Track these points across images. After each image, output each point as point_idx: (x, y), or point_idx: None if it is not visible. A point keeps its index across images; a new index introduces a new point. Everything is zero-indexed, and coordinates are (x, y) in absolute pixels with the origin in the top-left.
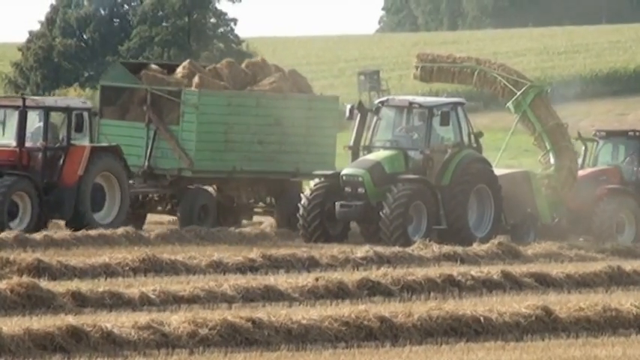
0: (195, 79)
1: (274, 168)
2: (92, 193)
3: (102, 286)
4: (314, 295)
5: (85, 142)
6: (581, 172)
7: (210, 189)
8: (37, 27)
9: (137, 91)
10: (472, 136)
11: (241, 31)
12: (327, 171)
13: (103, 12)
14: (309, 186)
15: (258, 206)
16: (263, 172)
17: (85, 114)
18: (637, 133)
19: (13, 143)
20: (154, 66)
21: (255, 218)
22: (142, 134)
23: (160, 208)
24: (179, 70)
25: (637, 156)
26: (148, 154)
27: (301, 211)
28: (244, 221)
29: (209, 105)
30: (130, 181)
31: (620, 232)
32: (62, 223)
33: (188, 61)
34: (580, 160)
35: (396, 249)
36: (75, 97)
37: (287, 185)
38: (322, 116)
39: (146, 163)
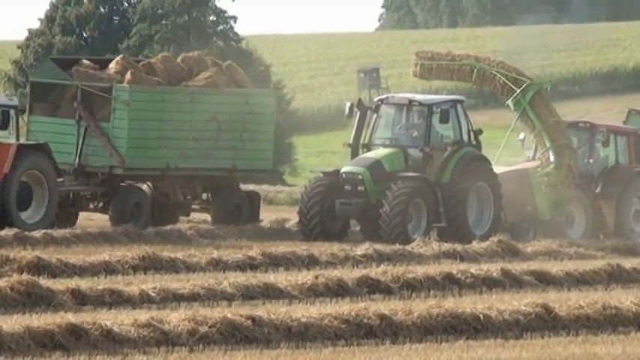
0: (128, 75)
1: (210, 164)
2: (18, 191)
3: (102, 283)
4: (314, 292)
5: (12, 140)
6: (532, 164)
7: (144, 186)
8: (36, 25)
9: (68, 88)
10: (472, 134)
11: (241, 28)
12: (327, 168)
13: (102, 10)
14: (308, 183)
15: (195, 203)
16: (198, 168)
17: (12, 111)
18: (588, 125)
19: None
20: (85, 61)
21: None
22: (73, 131)
23: (91, 206)
24: (112, 66)
25: (588, 148)
26: (79, 151)
27: (301, 209)
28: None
29: (141, 101)
30: (61, 179)
31: (571, 225)
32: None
33: (121, 56)
34: (532, 153)
35: (396, 247)
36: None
37: (223, 182)
38: (259, 111)
39: (77, 161)
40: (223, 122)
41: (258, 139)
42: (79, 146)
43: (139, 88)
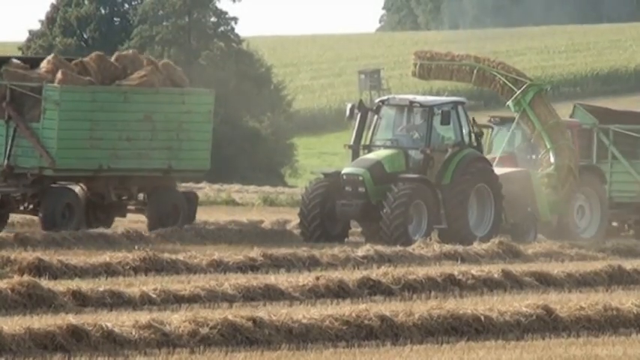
0: (58, 75)
1: (144, 165)
2: None
3: (102, 285)
4: (315, 294)
5: None
6: None
7: (77, 188)
8: (37, 26)
9: None
10: (472, 136)
11: (242, 30)
12: (328, 169)
13: (103, 11)
14: (308, 184)
15: (131, 204)
16: (132, 169)
17: None
18: None
19: None
20: (15, 61)
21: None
22: (2, 132)
23: (21, 208)
24: (43, 65)
25: (531, 143)
26: (8, 152)
27: (301, 210)
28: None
29: (72, 101)
30: None
31: None
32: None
33: (52, 55)
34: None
35: (397, 248)
36: None
37: (159, 182)
38: (196, 111)
39: (6, 162)
40: (158, 122)
41: (195, 138)
42: (8, 147)
43: (70, 87)
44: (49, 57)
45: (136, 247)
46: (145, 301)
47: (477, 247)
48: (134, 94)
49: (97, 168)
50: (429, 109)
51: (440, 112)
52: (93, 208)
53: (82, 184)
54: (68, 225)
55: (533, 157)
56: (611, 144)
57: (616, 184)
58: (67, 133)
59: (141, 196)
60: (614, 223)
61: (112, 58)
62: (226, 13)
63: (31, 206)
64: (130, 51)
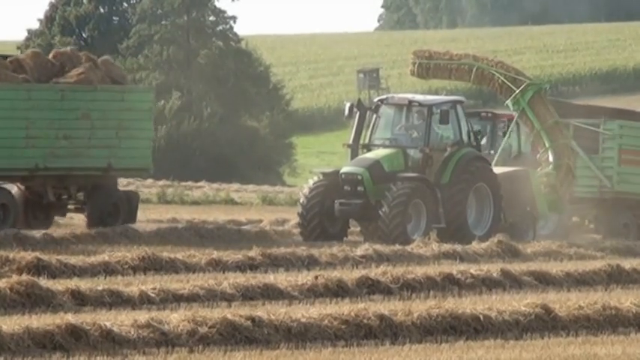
0: None
1: (83, 164)
2: None
3: (101, 284)
4: (313, 293)
5: None
6: None
7: (14, 187)
8: (36, 25)
9: None
10: (471, 135)
11: (240, 29)
12: (327, 169)
13: (102, 10)
14: (307, 184)
15: (70, 203)
16: (70, 168)
17: None
18: (489, 114)
19: None
20: None
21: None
22: None
23: None
24: None
25: (490, 137)
26: None
27: (300, 209)
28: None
29: (5, 99)
30: None
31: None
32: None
33: None
34: None
35: (396, 247)
36: None
37: (99, 181)
38: (136, 108)
39: None
40: (97, 120)
41: (136, 136)
42: None
43: (4, 85)
44: None
45: (135, 247)
46: (143, 301)
47: (475, 246)
48: (71, 92)
49: (33, 167)
50: (427, 109)
51: (439, 111)
52: (32, 207)
53: (18, 184)
54: (3, 225)
55: (492, 152)
56: (571, 139)
57: (576, 179)
58: (0, 131)
59: (81, 195)
60: (575, 219)
61: (50, 55)
62: (225, 12)
63: None
64: (69, 48)
